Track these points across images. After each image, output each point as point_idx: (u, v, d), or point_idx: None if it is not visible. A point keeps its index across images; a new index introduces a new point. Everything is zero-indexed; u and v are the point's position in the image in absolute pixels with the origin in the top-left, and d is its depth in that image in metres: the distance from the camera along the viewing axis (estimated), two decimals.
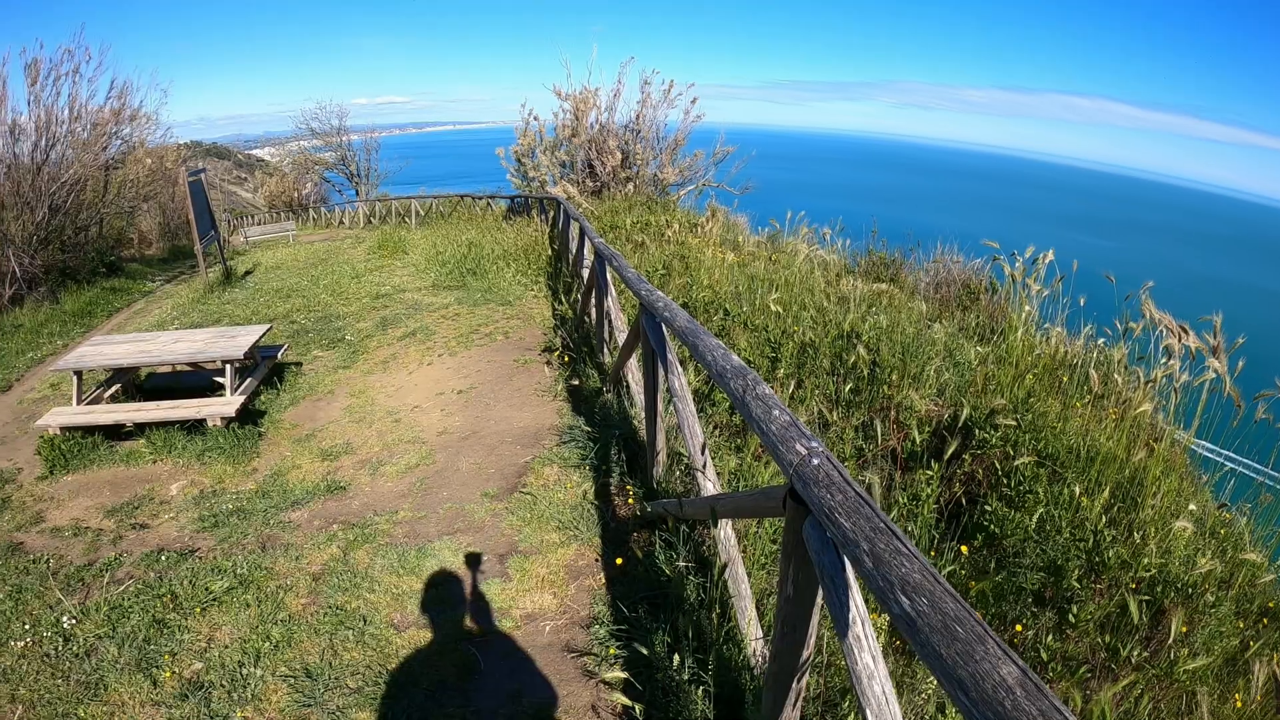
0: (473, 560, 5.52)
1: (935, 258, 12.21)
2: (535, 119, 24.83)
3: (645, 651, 3.92)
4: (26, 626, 5.52)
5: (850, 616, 2.20)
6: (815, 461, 2.28)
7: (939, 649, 1.47)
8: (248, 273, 20.39)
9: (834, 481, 2.15)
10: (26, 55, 19.26)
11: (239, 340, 9.47)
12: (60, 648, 5.20)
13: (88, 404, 9.24)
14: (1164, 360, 5.96)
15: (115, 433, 9.03)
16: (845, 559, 2.20)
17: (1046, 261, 7.66)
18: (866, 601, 2.36)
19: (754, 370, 3.13)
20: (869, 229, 13.50)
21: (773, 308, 7.63)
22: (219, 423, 8.64)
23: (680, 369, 4.76)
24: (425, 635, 4.81)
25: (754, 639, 3.76)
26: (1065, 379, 6.71)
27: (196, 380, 10.33)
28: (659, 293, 5.02)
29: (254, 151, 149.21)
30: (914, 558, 1.70)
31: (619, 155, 22.47)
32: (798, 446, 2.39)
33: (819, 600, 2.59)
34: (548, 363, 9.10)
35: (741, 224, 16.69)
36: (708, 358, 3.48)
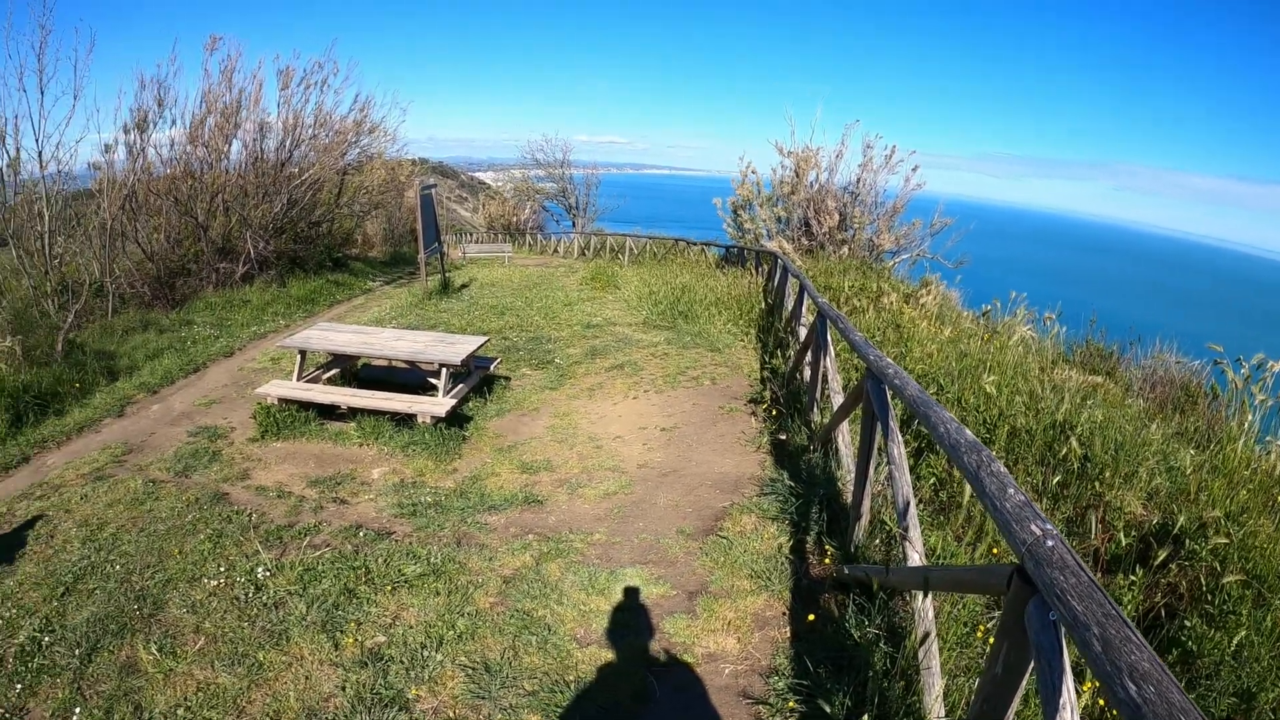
0: (661, 592, 5.58)
1: (1153, 354, 11.75)
2: (754, 172, 24.99)
3: (827, 709, 3.93)
4: (221, 569, 6.00)
5: (1061, 701, 2.20)
6: (1050, 543, 2.29)
7: None
8: (464, 286, 21.18)
9: (1068, 565, 2.17)
10: (280, 62, 20.66)
11: (458, 347, 9.88)
12: (250, 594, 5.63)
13: (306, 381, 9.87)
14: None
15: (328, 412, 9.66)
16: (1063, 643, 2.22)
17: (1275, 370, 7.33)
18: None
19: (987, 448, 3.15)
20: (1083, 315, 13.09)
21: (987, 389, 7.51)
22: (428, 421, 9.04)
23: (899, 437, 4.77)
24: (606, 655, 4.91)
25: (937, 716, 3.74)
26: None
27: (409, 377, 10.91)
28: (888, 359, 5.03)
29: (477, 174, 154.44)
30: (1143, 647, 1.73)
31: (836, 216, 22.39)
32: (1032, 527, 2.42)
33: (1024, 682, 2.60)
34: (753, 413, 9.10)
35: (954, 298, 16.39)
36: (940, 429, 3.49)
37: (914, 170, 22.29)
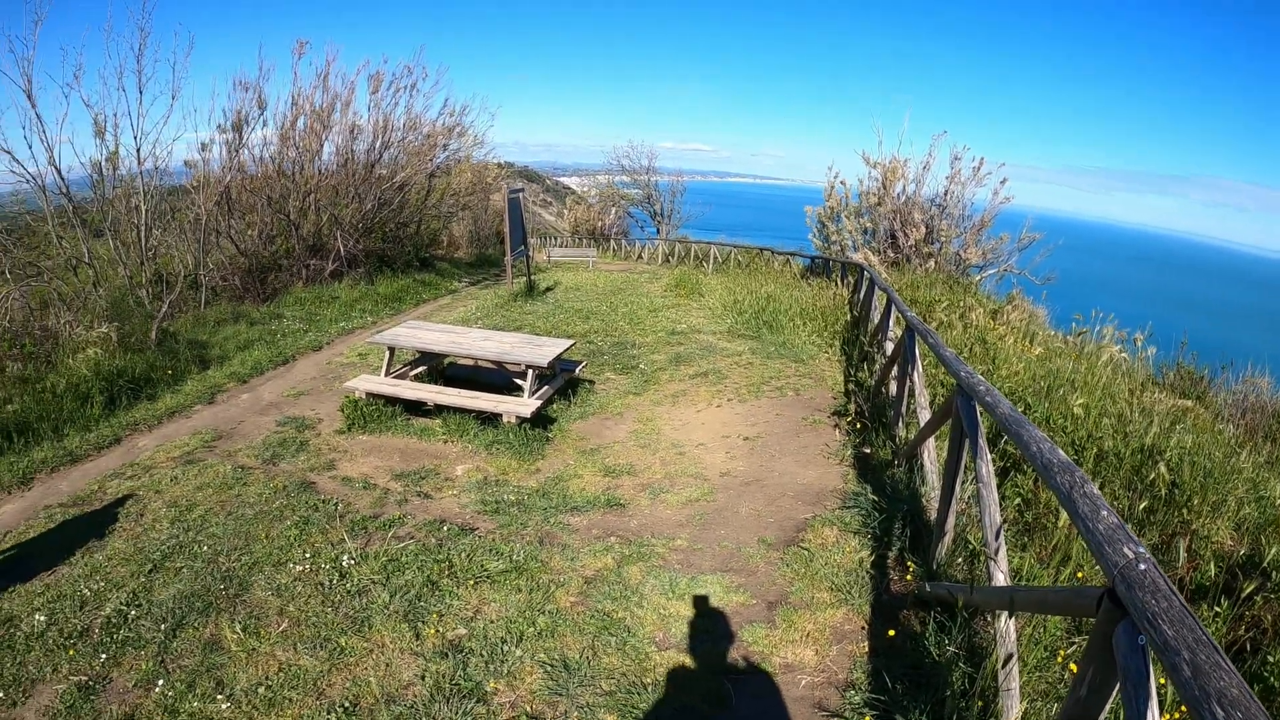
0: (741, 601, 5.60)
1: (1244, 379, 11.48)
2: (842, 183, 24.86)
3: None
4: (306, 555, 6.21)
5: None
6: (1142, 566, 2.29)
7: None
8: (548, 289, 21.38)
9: (1159, 589, 2.17)
10: (370, 67, 21.16)
11: (544, 350, 10.02)
12: (335, 581, 5.81)
13: (394, 378, 10.12)
14: None
15: (414, 408, 9.86)
16: (1151, 667, 2.22)
17: None
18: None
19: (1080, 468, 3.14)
20: (1173, 336, 12.82)
21: (1075, 410, 7.41)
22: (513, 421, 9.18)
23: (989, 455, 4.73)
24: (684, 659, 4.96)
25: None
26: None
27: (493, 377, 11.08)
28: (979, 376, 4.99)
29: (562, 179, 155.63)
30: (1232, 673, 1.73)
31: (923, 229, 22.16)
32: (1125, 549, 2.41)
33: (1107, 706, 2.60)
34: (836, 426, 9.05)
35: (1041, 316, 16.15)
36: (1032, 449, 3.47)
37: (1002, 183, 21.97)
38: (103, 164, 15.02)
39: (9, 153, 13.51)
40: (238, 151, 18.37)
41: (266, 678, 4.76)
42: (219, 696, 4.60)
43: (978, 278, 21.52)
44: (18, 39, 13.73)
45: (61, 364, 10.43)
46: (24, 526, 6.96)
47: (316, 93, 20.06)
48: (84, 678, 4.83)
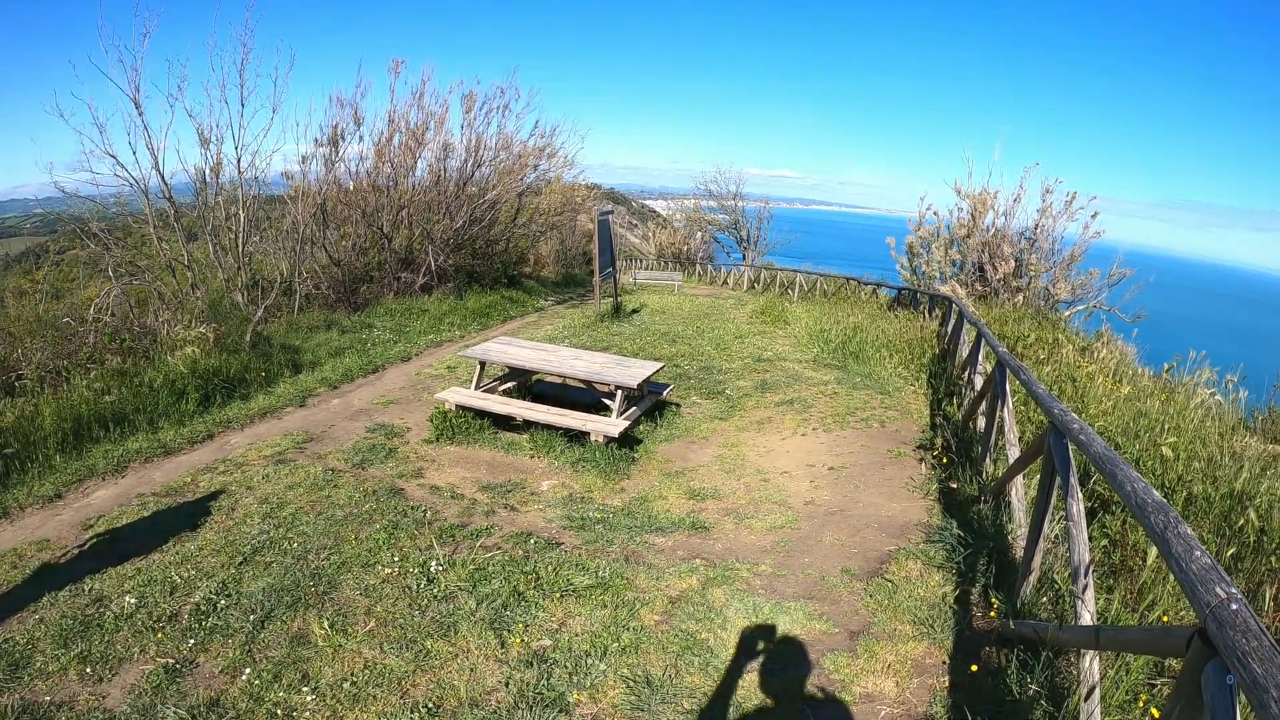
0: (823, 629, 5.62)
1: None
2: (935, 214, 24.71)
3: None
4: (395, 558, 6.40)
5: None
6: (1234, 606, 2.34)
7: None
8: (635, 311, 21.57)
9: (1250, 629, 2.22)
10: (463, 88, 21.64)
11: (634, 371, 10.15)
12: (422, 586, 5.98)
13: (484, 391, 10.30)
14: None
15: (501, 422, 10.06)
16: (1237, 706, 2.26)
17: None
18: None
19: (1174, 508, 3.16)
20: (1266, 380, 12.52)
21: (1165, 451, 7.33)
22: (600, 439, 9.30)
23: (1080, 494, 4.73)
24: (765, 683, 4.99)
25: None
26: None
27: (581, 396, 11.25)
28: (1072, 414, 4.99)
29: (649, 202, 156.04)
30: None
31: (1012, 262, 21.94)
32: (1217, 589, 2.46)
33: None
34: (921, 460, 9.02)
35: (1130, 354, 15.88)
36: (1127, 488, 3.50)
37: (1093, 217, 21.67)
38: (206, 172, 15.75)
39: (113, 156, 14.31)
40: (334, 165, 19.06)
41: (352, 674, 4.93)
42: (304, 689, 4.79)
43: (1066, 313, 21.23)
44: (126, 50, 14.55)
45: (159, 360, 10.91)
46: (117, 511, 7.34)
47: (411, 111, 20.71)
48: (171, 660, 5.07)
